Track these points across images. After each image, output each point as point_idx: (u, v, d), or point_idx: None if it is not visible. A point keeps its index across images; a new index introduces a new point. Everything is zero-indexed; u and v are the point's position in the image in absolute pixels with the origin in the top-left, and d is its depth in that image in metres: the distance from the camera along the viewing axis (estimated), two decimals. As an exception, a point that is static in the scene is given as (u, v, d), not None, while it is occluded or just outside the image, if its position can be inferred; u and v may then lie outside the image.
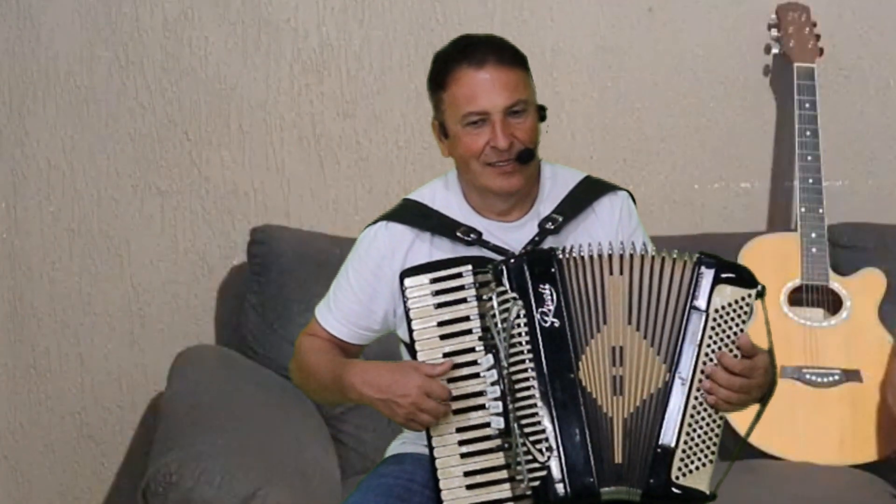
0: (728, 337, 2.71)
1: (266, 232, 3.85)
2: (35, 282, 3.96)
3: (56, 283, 3.97)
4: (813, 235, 3.79)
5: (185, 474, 3.09)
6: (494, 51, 2.83)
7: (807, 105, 3.86)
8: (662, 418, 2.70)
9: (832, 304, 3.77)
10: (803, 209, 3.81)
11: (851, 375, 3.69)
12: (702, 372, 2.70)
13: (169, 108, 3.94)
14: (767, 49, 4.01)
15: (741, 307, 2.72)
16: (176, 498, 3.08)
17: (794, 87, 3.89)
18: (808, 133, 3.85)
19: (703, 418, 2.70)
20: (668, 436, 2.69)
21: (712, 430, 2.71)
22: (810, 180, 3.83)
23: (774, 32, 3.95)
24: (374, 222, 2.93)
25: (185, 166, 3.95)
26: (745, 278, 2.74)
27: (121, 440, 4.01)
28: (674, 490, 2.68)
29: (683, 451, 2.69)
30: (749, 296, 2.72)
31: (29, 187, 3.94)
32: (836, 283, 3.77)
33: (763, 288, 2.73)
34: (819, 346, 3.70)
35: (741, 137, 4.07)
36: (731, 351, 2.71)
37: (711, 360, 2.70)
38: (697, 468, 2.69)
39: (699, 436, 2.70)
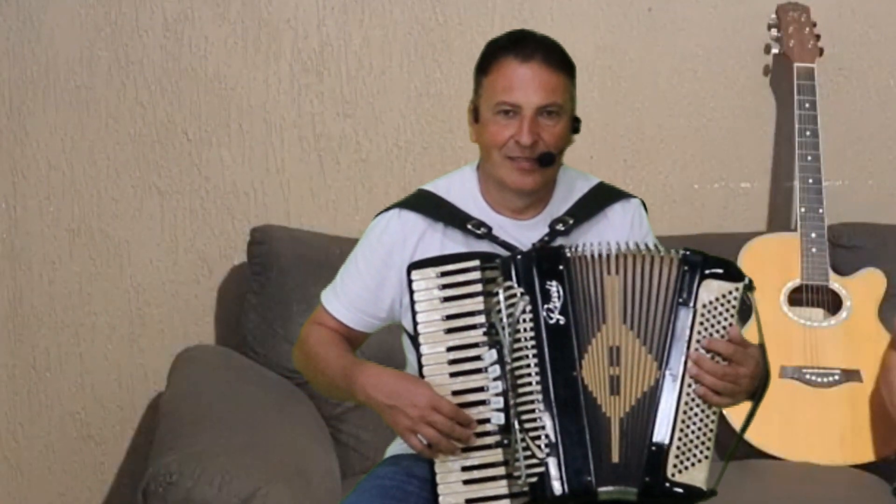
0: (717, 332, 2.71)
1: (266, 232, 3.85)
2: (35, 282, 3.96)
3: (56, 283, 3.97)
4: (813, 235, 3.78)
5: (185, 474, 3.09)
6: (544, 50, 2.83)
7: (807, 105, 3.86)
8: (655, 416, 2.69)
9: (832, 304, 3.76)
10: (803, 209, 3.81)
11: (851, 375, 3.69)
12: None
13: (169, 108, 3.94)
14: (767, 49, 4.01)
15: (728, 301, 2.71)
16: (176, 498, 3.08)
17: (794, 87, 3.88)
18: (808, 133, 3.85)
19: (696, 414, 2.70)
20: (661, 433, 2.69)
21: (706, 425, 2.70)
22: (810, 180, 3.83)
23: (774, 32, 3.95)
24: (387, 209, 2.93)
25: (185, 166, 3.95)
26: (731, 273, 2.74)
27: (121, 440, 4.01)
28: (670, 487, 2.67)
29: (678, 447, 2.68)
30: (736, 289, 2.72)
31: (29, 187, 3.94)
32: (836, 283, 3.77)
33: (750, 282, 2.74)
34: (819, 346, 3.70)
35: (741, 137, 4.07)
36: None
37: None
38: (693, 464, 2.68)
39: (693, 432, 2.69)
